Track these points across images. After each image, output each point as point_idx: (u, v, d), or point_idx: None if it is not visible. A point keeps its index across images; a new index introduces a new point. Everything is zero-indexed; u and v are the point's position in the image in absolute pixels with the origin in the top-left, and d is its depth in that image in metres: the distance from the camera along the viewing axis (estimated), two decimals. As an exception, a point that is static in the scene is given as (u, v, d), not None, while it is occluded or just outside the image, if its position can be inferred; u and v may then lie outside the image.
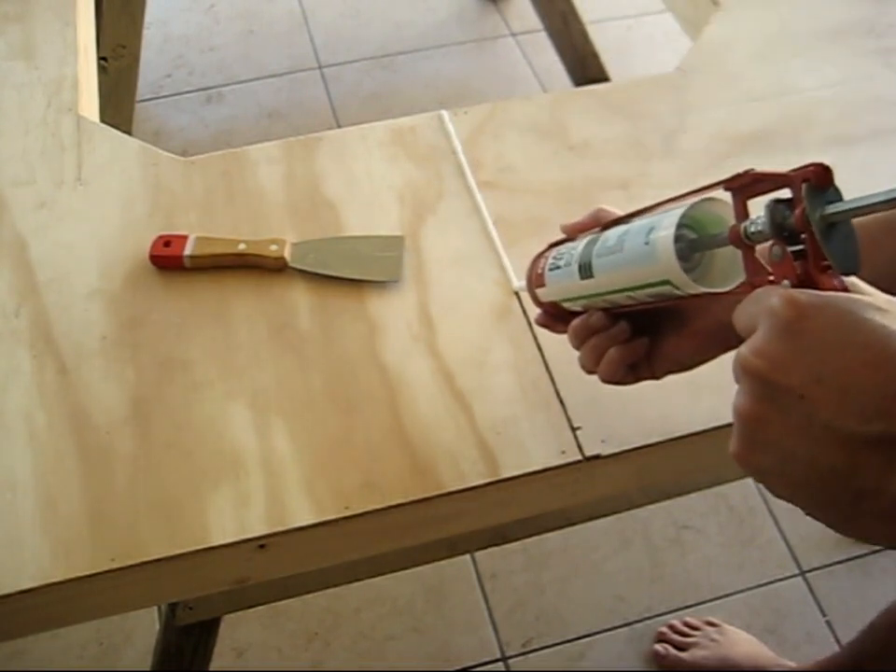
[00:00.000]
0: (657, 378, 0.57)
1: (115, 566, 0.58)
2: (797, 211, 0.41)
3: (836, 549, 1.29)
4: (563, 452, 0.64)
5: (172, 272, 0.73)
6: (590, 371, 0.58)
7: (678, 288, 0.48)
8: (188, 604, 0.81)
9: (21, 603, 0.58)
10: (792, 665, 1.16)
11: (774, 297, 0.37)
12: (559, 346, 0.69)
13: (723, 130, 0.84)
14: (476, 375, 0.68)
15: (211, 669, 0.95)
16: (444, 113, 0.84)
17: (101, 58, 1.31)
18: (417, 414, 0.66)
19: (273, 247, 0.73)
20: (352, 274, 0.73)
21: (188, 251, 0.72)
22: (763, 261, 0.43)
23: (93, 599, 0.61)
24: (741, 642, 1.19)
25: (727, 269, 0.48)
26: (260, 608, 0.86)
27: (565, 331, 0.60)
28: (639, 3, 2.00)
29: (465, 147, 0.82)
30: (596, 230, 0.58)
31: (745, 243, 0.44)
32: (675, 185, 0.79)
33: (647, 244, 0.49)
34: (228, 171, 0.80)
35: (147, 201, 0.78)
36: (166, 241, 0.73)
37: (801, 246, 0.41)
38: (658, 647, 1.21)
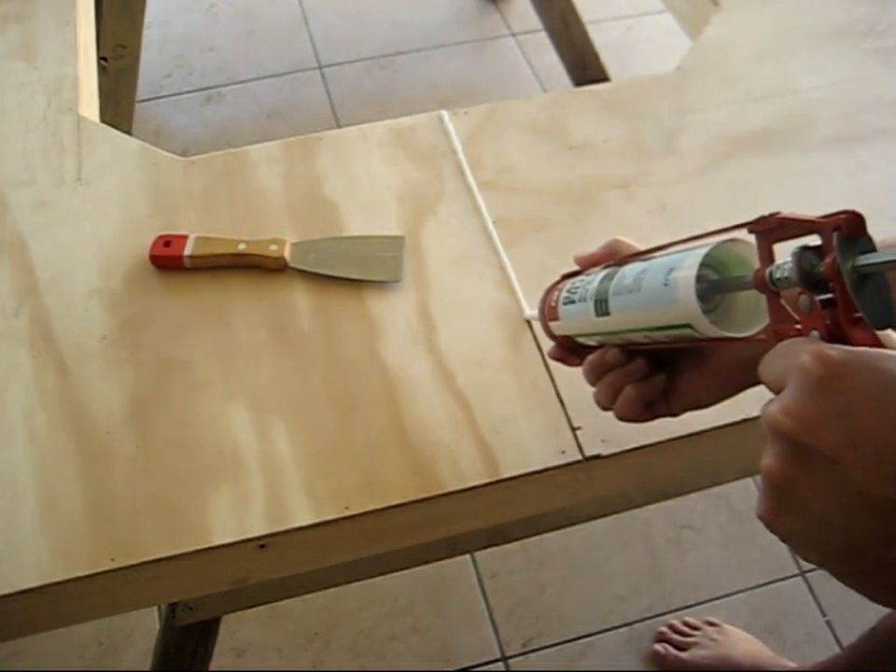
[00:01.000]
0: (675, 415, 0.55)
1: (115, 566, 0.58)
2: (827, 260, 0.38)
3: (836, 549, 1.29)
4: (563, 452, 0.64)
5: (172, 272, 0.73)
6: (605, 408, 0.56)
7: (698, 332, 0.46)
8: (188, 604, 0.81)
9: (20, 603, 0.58)
10: (792, 665, 1.16)
11: (804, 353, 0.35)
12: (559, 346, 0.69)
13: (723, 130, 0.84)
14: (476, 375, 0.68)
15: (211, 669, 0.95)
16: (444, 113, 0.84)
17: (101, 58, 1.31)
18: (417, 414, 0.66)
19: (273, 247, 0.73)
20: (352, 274, 0.73)
21: (188, 251, 0.72)
22: (789, 308, 0.41)
23: (93, 599, 0.61)
24: (741, 642, 1.19)
25: (749, 312, 0.46)
26: (260, 608, 0.86)
27: (578, 364, 0.58)
28: (639, 3, 2.00)
29: (465, 147, 0.82)
30: (612, 263, 0.56)
31: (770, 289, 0.42)
32: (675, 185, 0.80)
33: (666, 284, 0.47)
34: (228, 171, 0.80)
35: (147, 201, 0.78)
36: (166, 241, 0.73)
37: (830, 295, 0.39)
38: (658, 647, 1.21)
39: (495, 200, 0.78)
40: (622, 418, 0.55)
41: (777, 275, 0.41)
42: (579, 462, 0.64)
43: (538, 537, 0.91)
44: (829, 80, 0.88)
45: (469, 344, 0.69)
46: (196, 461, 0.63)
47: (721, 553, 1.31)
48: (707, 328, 0.45)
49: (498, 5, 2.01)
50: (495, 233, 0.76)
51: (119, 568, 0.58)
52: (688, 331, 0.47)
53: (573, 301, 0.56)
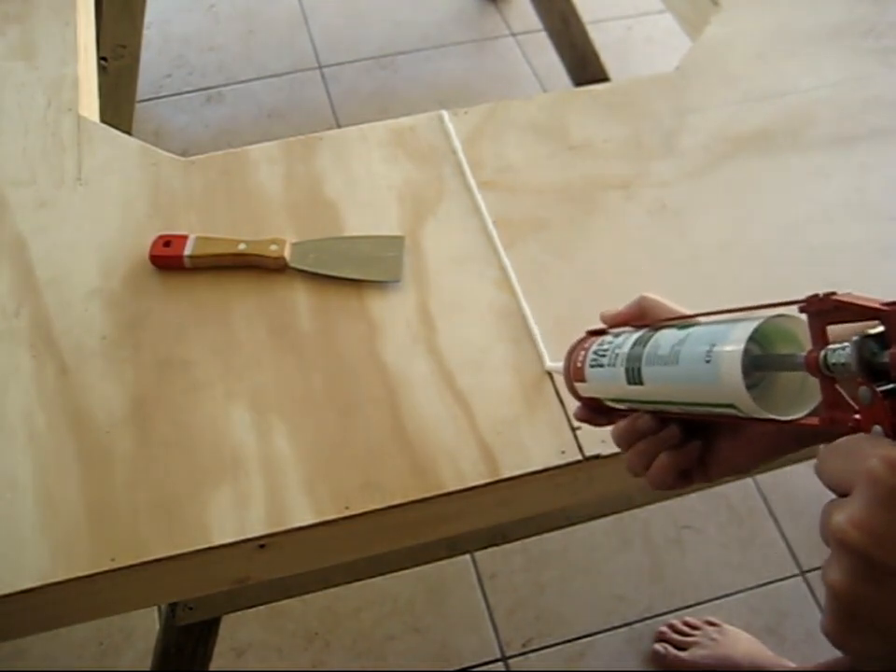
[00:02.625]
0: (711, 480, 0.52)
1: (115, 565, 0.58)
2: (892, 350, 0.35)
3: (836, 549, 1.29)
4: (563, 452, 0.64)
5: (172, 272, 0.73)
6: (637, 475, 0.53)
7: (742, 412, 0.43)
8: (188, 604, 0.81)
9: (21, 603, 0.58)
10: (792, 665, 1.16)
11: (872, 457, 0.33)
12: (559, 347, 0.69)
13: (723, 130, 0.84)
14: (476, 375, 0.68)
15: (211, 669, 0.95)
16: (444, 113, 0.84)
17: (101, 58, 1.31)
18: (417, 414, 0.66)
19: (273, 247, 0.73)
20: (352, 274, 0.73)
21: (188, 251, 0.72)
22: (845, 395, 0.38)
23: (93, 599, 0.61)
24: (741, 642, 1.19)
25: (795, 390, 0.43)
26: (260, 608, 0.86)
27: (606, 424, 0.56)
28: (639, 3, 2.00)
29: (465, 146, 0.82)
30: (642, 325, 0.53)
31: (823, 373, 0.39)
32: (675, 185, 0.80)
33: (708, 361, 0.43)
34: (228, 171, 0.80)
35: (147, 201, 0.78)
36: (166, 241, 0.73)
37: (894, 385, 0.36)
38: (658, 646, 1.21)
39: (494, 200, 0.78)
40: (655, 487, 0.52)
41: (833, 360, 0.38)
42: (579, 462, 0.64)
43: (538, 537, 0.91)
44: (829, 80, 0.88)
45: (469, 344, 0.69)
46: (196, 461, 0.63)
47: (721, 553, 1.31)
48: (752, 409, 0.42)
49: (498, 5, 2.01)
50: (495, 233, 0.76)
51: (119, 568, 0.58)
52: (730, 410, 0.44)
53: (601, 365, 0.53)
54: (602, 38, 1.67)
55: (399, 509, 0.62)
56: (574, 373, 0.56)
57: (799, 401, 0.42)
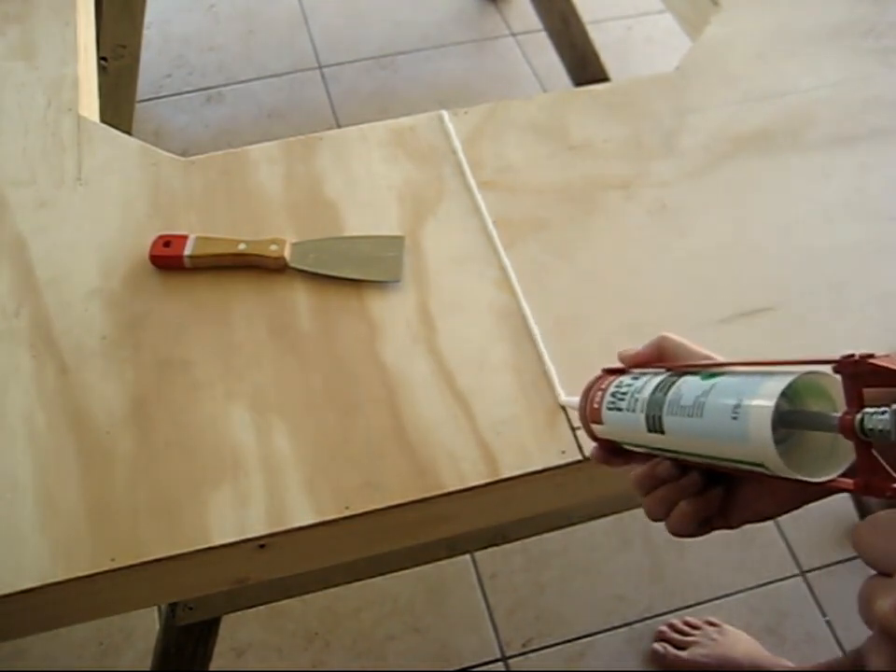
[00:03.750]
0: (732, 528, 0.50)
1: (115, 565, 0.58)
2: None
3: (836, 549, 1.29)
4: (563, 452, 0.64)
5: (172, 272, 0.73)
6: (656, 521, 0.52)
7: (769, 470, 0.41)
8: (188, 604, 0.81)
9: (21, 603, 0.58)
10: (791, 664, 1.16)
11: None
12: (559, 346, 0.69)
13: (723, 130, 0.84)
14: (476, 375, 0.68)
15: (211, 669, 0.95)
16: (444, 113, 0.84)
17: (101, 58, 1.31)
18: (417, 414, 0.66)
19: (273, 247, 0.73)
20: (352, 274, 0.73)
21: (188, 251, 0.72)
22: (882, 461, 0.37)
23: (93, 599, 0.61)
24: (741, 642, 1.19)
25: (827, 448, 0.41)
26: (260, 608, 0.86)
27: (623, 465, 0.54)
28: (639, 3, 2.00)
29: (465, 147, 0.82)
30: (663, 369, 0.51)
31: (859, 437, 0.37)
32: (675, 185, 0.80)
33: (735, 418, 0.41)
34: (228, 171, 0.80)
35: (147, 201, 0.78)
36: (166, 241, 0.73)
37: None
38: (657, 646, 1.20)
39: (495, 200, 0.78)
40: (675, 534, 0.50)
41: (870, 426, 0.36)
42: (579, 462, 0.64)
43: (538, 537, 0.91)
44: (829, 80, 0.88)
45: (469, 344, 0.69)
46: (196, 461, 0.63)
47: (721, 553, 1.31)
48: (781, 469, 0.40)
49: (498, 5, 2.01)
50: (495, 233, 0.76)
51: (119, 568, 0.58)
52: (757, 468, 0.42)
53: (619, 409, 0.51)
54: (602, 38, 1.67)
55: (398, 509, 0.62)
56: (591, 414, 0.54)
57: (830, 460, 0.41)
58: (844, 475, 0.40)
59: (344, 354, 0.69)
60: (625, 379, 0.52)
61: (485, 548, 0.89)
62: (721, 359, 0.50)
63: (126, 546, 0.59)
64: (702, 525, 0.50)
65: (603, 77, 1.60)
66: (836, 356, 0.39)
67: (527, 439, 0.65)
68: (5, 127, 0.83)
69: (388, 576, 0.88)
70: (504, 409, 0.66)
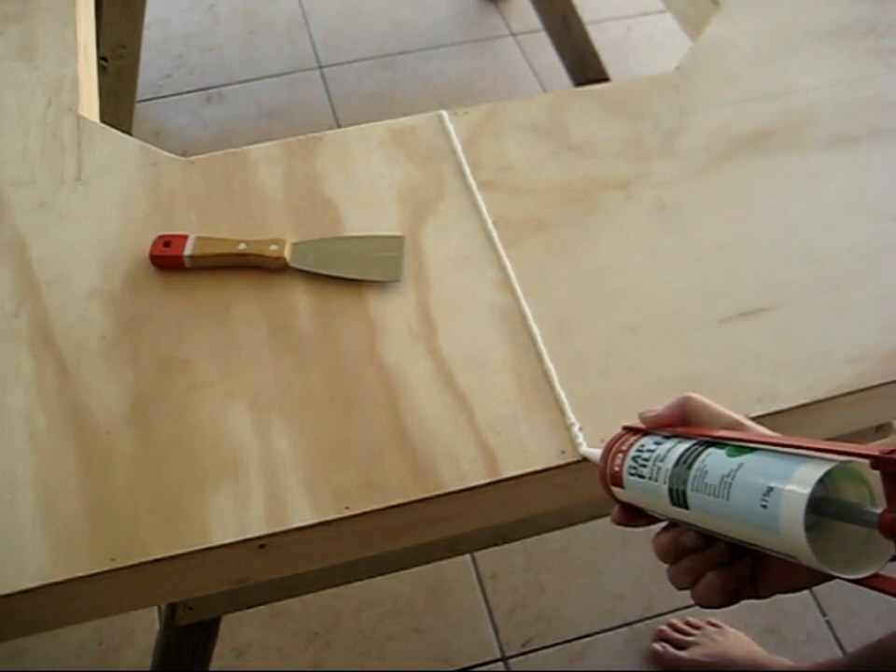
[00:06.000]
0: (762, 598, 0.49)
1: (115, 565, 0.58)
2: None
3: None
4: (563, 452, 0.64)
5: (172, 272, 0.73)
6: (682, 589, 0.50)
7: (799, 561, 0.40)
8: (188, 604, 0.81)
9: (21, 603, 0.58)
10: (789, 663, 1.16)
11: None
12: (559, 346, 0.69)
13: (723, 130, 0.84)
14: (476, 375, 0.68)
15: (211, 669, 0.95)
16: (444, 113, 0.84)
17: (101, 58, 1.31)
18: (417, 414, 0.66)
19: (273, 247, 0.73)
20: (352, 274, 0.73)
21: (188, 251, 0.72)
22: None
23: (93, 599, 0.61)
24: (741, 642, 1.19)
25: (861, 539, 0.40)
26: (260, 608, 0.86)
27: (646, 525, 0.52)
28: (639, 3, 2.00)
29: (465, 147, 0.82)
30: (685, 436, 0.49)
31: None
32: (675, 185, 0.80)
33: (765, 507, 0.40)
34: (228, 171, 0.80)
35: (147, 201, 0.78)
36: (166, 241, 0.73)
37: None
38: (657, 646, 1.20)
39: (495, 200, 0.78)
40: (703, 605, 0.49)
41: None
42: (579, 462, 0.64)
43: (538, 537, 0.91)
44: (829, 80, 0.88)
45: (469, 344, 0.69)
46: (196, 461, 0.63)
47: (720, 553, 1.31)
48: (813, 563, 0.39)
49: (498, 5, 2.01)
50: (495, 233, 0.76)
51: (119, 568, 0.58)
52: (787, 558, 0.41)
53: (641, 476, 0.49)
54: (602, 38, 1.67)
55: (398, 509, 0.62)
56: (612, 477, 0.52)
57: (865, 551, 0.40)
58: (886, 578, 0.39)
59: (344, 354, 0.69)
60: (647, 443, 0.50)
61: (485, 548, 0.89)
62: (746, 422, 0.48)
63: (126, 546, 0.59)
64: (731, 596, 0.48)
65: (603, 77, 1.60)
66: (874, 448, 0.37)
67: (527, 439, 0.65)
68: (5, 127, 0.83)
69: (388, 576, 0.88)
70: (504, 409, 0.66)
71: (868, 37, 0.92)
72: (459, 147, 0.82)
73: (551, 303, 0.72)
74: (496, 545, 0.87)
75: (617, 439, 0.54)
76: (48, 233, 0.75)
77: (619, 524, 0.53)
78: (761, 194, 0.80)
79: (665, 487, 0.47)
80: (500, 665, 1.21)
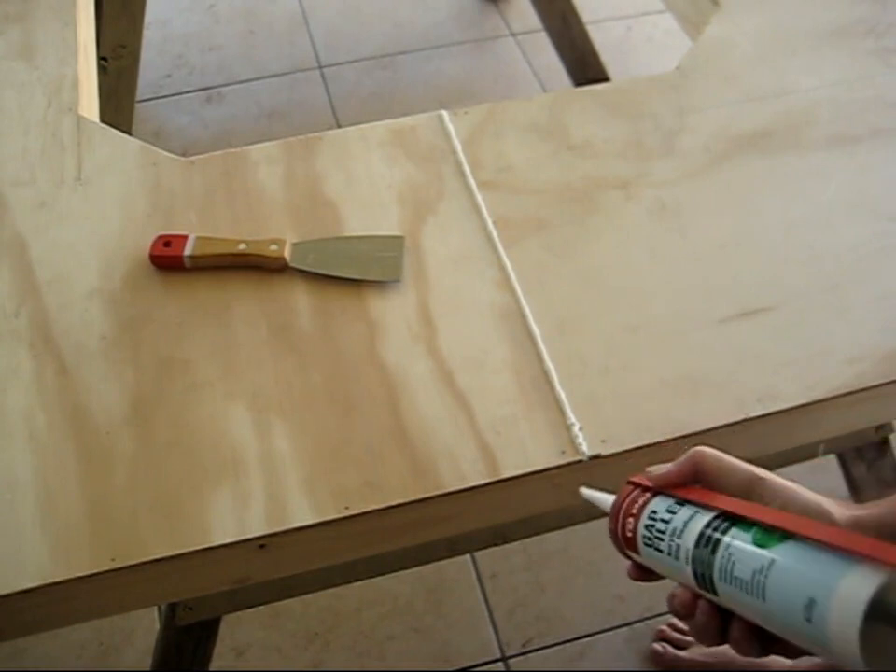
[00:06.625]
0: (791, 658, 0.45)
1: (115, 566, 0.58)
2: None
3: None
4: (563, 452, 0.64)
5: (172, 272, 0.73)
6: (708, 645, 0.49)
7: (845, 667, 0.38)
8: (188, 604, 0.81)
9: (21, 603, 0.58)
10: (789, 662, 1.16)
11: None
12: (559, 346, 0.69)
13: (723, 130, 0.84)
14: (476, 375, 0.68)
15: (211, 669, 0.95)
16: (444, 113, 0.84)
17: (101, 58, 1.31)
18: (417, 414, 0.66)
19: (273, 247, 0.73)
20: (352, 274, 0.73)
21: (188, 251, 0.72)
22: None
23: (93, 599, 0.61)
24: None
25: None
26: (260, 608, 0.86)
27: (662, 578, 0.50)
28: (639, 3, 2.00)
29: (465, 147, 0.82)
30: (705, 507, 0.46)
31: None
32: (675, 185, 0.80)
33: (809, 620, 0.38)
34: (228, 171, 0.80)
35: (147, 201, 0.78)
36: (166, 241, 0.73)
37: None
38: (657, 645, 1.20)
39: (495, 200, 0.78)
40: (741, 654, 0.48)
41: None
42: (579, 462, 0.64)
43: (538, 537, 0.91)
44: (829, 80, 0.88)
45: (469, 344, 0.69)
46: (196, 461, 0.63)
47: (720, 553, 1.31)
48: (860, 667, 0.37)
49: (498, 5, 2.01)
50: (495, 233, 0.76)
51: (119, 568, 0.58)
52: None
53: (659, 549, 0.47)
54: (602, 38, 1.67)
55: (398, 509, 0.62)
56: (625, 542, 0.50)
57: None
58: None
59: (344, 354, 0.69)
60: (660, 509, 0.48)
61: (485, 548, 0.89)
62: (762, 474, 0.46)
63: (126, 546, 0.59)
64: (763, 649, 0.46)
65: (603, 77, 1.60)
66: None
67: (527, 439, 0.65)
68: (5, 127, 0.83)
69: (388, 576, 0.88)
70: (504, 409, 0.66)
71: (868, 37, 0.92)
72: (459, 147, 0.82)
73: (551, 303, 0.72)
74: (496, 545, 0.87)
75: (625, 498, 0.51)
76: (48, 233, 0.75)
77: (635, 580, 0.52)
78: (761, 194, 0.80)
79: (689, 568, 0.45)
80: (500, 665, 1.21)
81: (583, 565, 1.29)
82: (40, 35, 0.90)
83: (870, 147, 0.83)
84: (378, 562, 0.83)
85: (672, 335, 0.71)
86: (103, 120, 0.85)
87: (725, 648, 1.26)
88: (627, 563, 0.52)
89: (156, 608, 1.20)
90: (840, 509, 0.44)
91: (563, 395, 0.67)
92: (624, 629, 1.24)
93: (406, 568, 0.87)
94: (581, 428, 0.65)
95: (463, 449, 0.64)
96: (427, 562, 0.88)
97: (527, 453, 0.64)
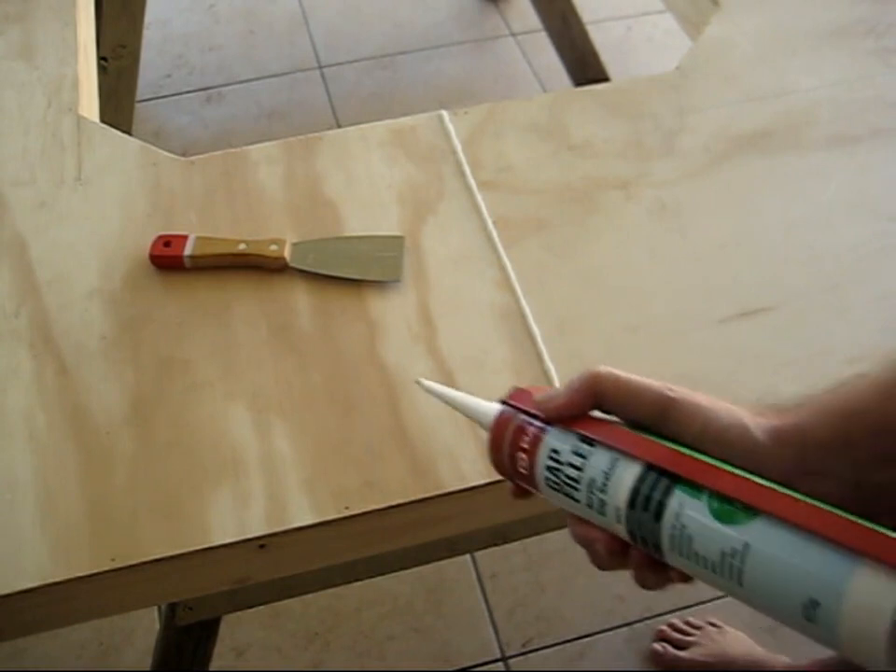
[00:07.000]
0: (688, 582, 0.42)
1: (115, 566, 0.58)
2: None
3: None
4: (563, 452, 0.64)
5: (172, 272, 0.73)
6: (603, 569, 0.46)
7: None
8: (188, 604, 0.81)
9: (21, 603, 0.58)
10: (788, 660, 1.16)
11: None
12: (559, 346, 0.69)
13: (723, 130, 0.84)
14: (476, 375, 0.68)
15: (211, 669, 0.95)
16: (444, 113, 0.84)
17: (101, 58, 1.31)
18: (417, 414, 0.66)
19: (273, 247, 0.73)
20: (352, 274, 0.73)
21: (188, 251, 0.72)
22: None
23: (93, 599, 0.61)
24: (740, 642, 1.19)
25: None
26: (260, 608, 0.86)
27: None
28: (639, 3, 2.00)
29: (465, 147, 0.82)
30: (607, 441, 0.41)
31: None
32: (675, 185, 0.80)
33: (811, 620, 0.35)
34: (228, 171, 0.80)
35: (147, 201, 0.78)
36: (166, 241, 0.73)
37: None
38: (657, 646, 1.20)
39: (495, 200, 0.78)
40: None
41: None
42: (579, 462, 0.64)
43: (538, 537, 0.91)
44: (829, 80, 0.88)
45: (470, 344, 0.69)
46: (196, 461, 0.63)
47: (720, 553, 1.31)
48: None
49: (498, 5, 2.01)
50: (495, 233, 0.76)
51: (119, 568, 0.58)
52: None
53: (574, 498, 0.42)
54: (602, 38, 1.67)
55: (398, 509, 0.62)
56: (516, 475, 0.45)
57: None
58: None
59: (344, 354, 0.69)
60: (561, 449, 0.42)
61: (485, 548, 0.89)
62: (673, 395, 0.41)
63: (126, 546, 0.59)
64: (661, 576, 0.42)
65: (603, 77, 1.60)
66: None
67: (527, 439, 0.65)
68: (5, 127, 0.83)
69: (388, 576, 0.88)
70: (504, 409, 0.66)
71: (868, 37, 0.92)
72: (459, 147, 0.82)
73: (551, 303, 0.72)
74: (496, 545, 0.87)
75: (505, 425, 0.45)
76: (48, 233, 0.75)
77: (516, 497, 0.48)
78: (761, 194, 0.80)
79: (623, 529, 0.40)
80: (500, 665, 1.21)
81: (583, 565, 1.28)
82: (40, 35, 0.90)
83: (870, 146, 0.83)
84: (378, 562, 0.82)
85: (672, 335, 0.71)
86: (103, 120, 0.85)
87: (725, 649, 1.26)
88: (512, 486, 0.47)
89: (156, 608, 1.20)
90: (759, 420, 0.40)
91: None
92: (624, 629, 1.24)
93: (406, 568, 0.87)
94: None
95: (463, 449, 0.64)
96: (427, 562, 0.88)
97: (527, 453, 0.64)
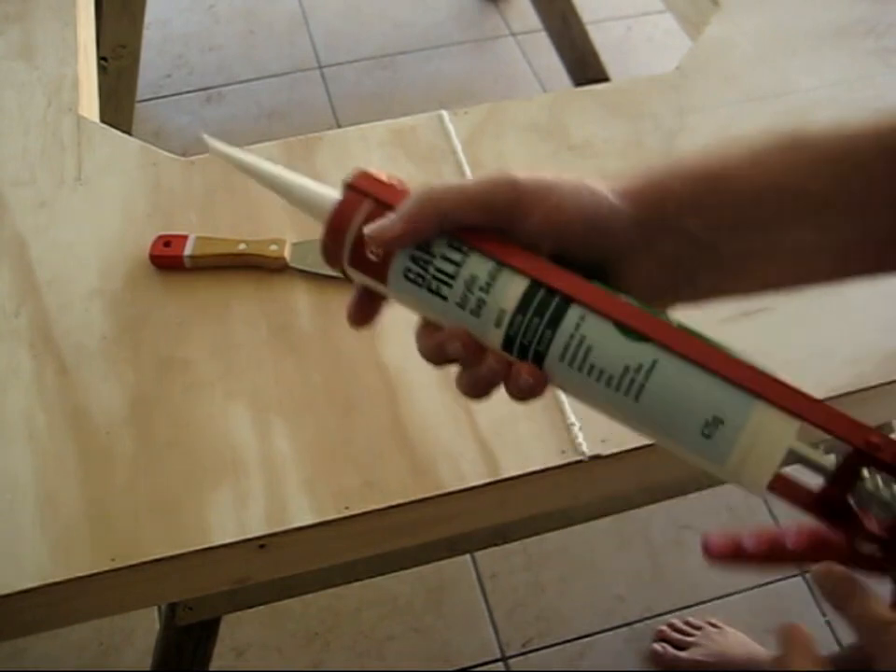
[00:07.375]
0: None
1: (115, 566, 0.58)
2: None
3: (836, 549, 1.29)
4: (563, 452, 0.64)
5: (172, 272, 0.73)
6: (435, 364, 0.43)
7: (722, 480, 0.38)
8: (188, 604, 0.81)
9: (21, 603, 0.58)
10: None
11: None
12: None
13: (723, 130, 0.84)
14: (476, 375, 0.68)
15: (211, 669, 0.95)
16: (444, 113, 0.84)
17: (101, 58, 1.31)
18: (417, 414, 0.66)
19: (273, 247, 0.73)
20: (352, 274, 0.72)
21: (188, 251, 0.72)
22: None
23: (93, 599, 0.61)
24: (740, 642, 1.19)
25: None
26: (260, 608, 0.86)
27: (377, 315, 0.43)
28: (639, 3, 2.00)
29: (465, 147, 0.82)
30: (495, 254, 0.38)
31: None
32: (675, 185, 0.79)
33: (707, 436, 0.36)
34: (228, 171, 0.80)
35: (147, 201, 0.77)
36: (166, 241, 0.73)
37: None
38: (656, 646, 1.20)
39: (495, 200, 0.78)
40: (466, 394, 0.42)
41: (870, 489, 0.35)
42: (579, 462, 0.64)
43: (538, 537, 0.91)
44: (829, 80, 0.88)
45: (469, 344, 0.69)
46: (196, 461, 0.63)
47: (721, 553, 1.31)
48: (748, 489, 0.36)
49: (498, 5, 2.01)
50: (495, 233, 0.76)
51: (119, 568, 0.58)
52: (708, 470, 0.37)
53: (441, 295, 0.39)
54: (602, 38, 1.67)
55: (398, 509, 0.62)
56: (358, 263, 0.41)
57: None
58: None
59: (344, 354, 0.69)
60: (439, 241, 0.38)
61: (485, 548, 0.89)
62: (521, 180, 0.40)
63: (126, 546, 0.59)
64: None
65: (603, 77, 1.60)
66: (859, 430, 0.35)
67: (527, 439, 0.65)
68: (5, 127, 0.83)
69: (388, 576, 0.88)
70: (504, 409, 0.66)
71: (868, 37, 0.92)
72: (459, 147, 0.82)
73: (551, 303, 0.72)
74: (496, 545, 0.87)
75: (356, 204, 0.42)
76: (48, 233, 0.75)
77: (353, 321, 0.44)
78: (761, 194, 0.79)
79: (500, 333, 0.37)
80: (500, 665, 1.21)
81: (583, 565, 1.29)
82: (40, 35, 0.90)
83: (870, 147, 0.83)
84: (378, 562, 0.82)
85: (672, 335, 0.71)
86: (103, 120, 0.85)
87: (725, 649, 1.26)
88: (351, 303, 0.44)
89: (156, 608, 1.20)
90: (609, 185, 0.42)
91: (563, 395, 0.67)
92: (624, 629, 1.24)
93: (406, 568, 0.87)
94: (580, 428, 0.65)
95: (463, 449, 0.64)
96: (427, 562, 0.88)
97: (527, 453, 0.64)
